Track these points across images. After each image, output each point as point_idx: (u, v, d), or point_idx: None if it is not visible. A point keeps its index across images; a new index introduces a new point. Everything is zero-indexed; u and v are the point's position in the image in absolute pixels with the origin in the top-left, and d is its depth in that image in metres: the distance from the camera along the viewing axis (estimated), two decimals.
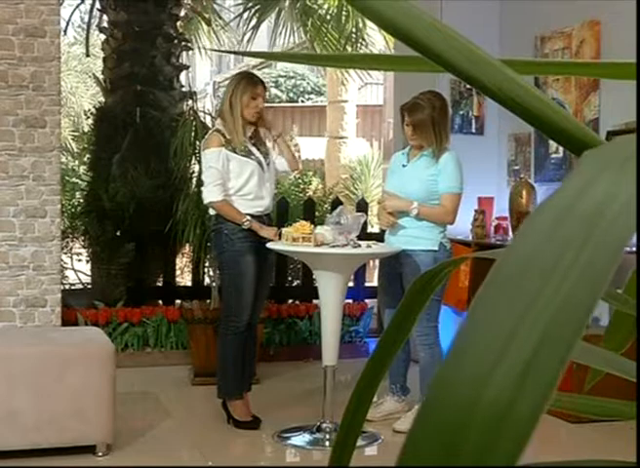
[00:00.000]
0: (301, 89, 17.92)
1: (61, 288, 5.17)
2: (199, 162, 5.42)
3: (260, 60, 16.95)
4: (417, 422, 0.39)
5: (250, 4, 8.46)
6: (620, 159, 0.46)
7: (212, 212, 4.41)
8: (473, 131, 6.25)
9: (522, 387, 0.39)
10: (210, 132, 4.40)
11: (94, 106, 7.37)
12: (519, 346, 0.40)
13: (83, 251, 6.87)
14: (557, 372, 0.39)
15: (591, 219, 0.43)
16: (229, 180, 4.31)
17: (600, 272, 0.41)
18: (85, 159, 7.73)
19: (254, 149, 4.40)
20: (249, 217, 4.29)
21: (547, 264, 0.42)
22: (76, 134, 10.40)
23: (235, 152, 4.30)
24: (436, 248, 4.31)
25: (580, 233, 0.42)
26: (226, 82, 4.56)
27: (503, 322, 0.41)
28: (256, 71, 11.38)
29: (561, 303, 0.40)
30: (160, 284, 6.53)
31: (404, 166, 4.46)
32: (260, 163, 4.37)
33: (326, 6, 8.74)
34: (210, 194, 4.29)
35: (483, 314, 0.42)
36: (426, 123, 4.31)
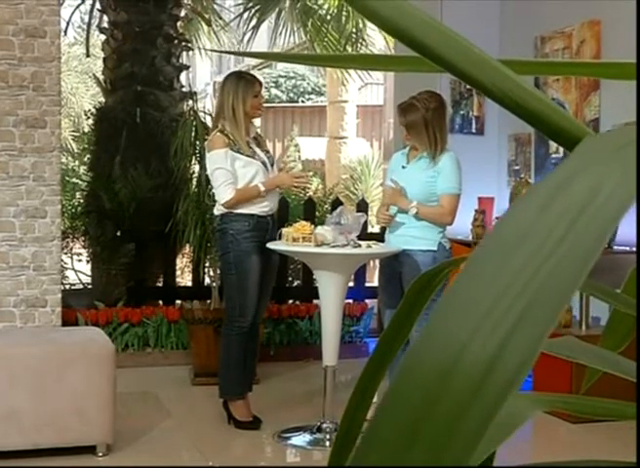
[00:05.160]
0: (302, 89, 17.92)
1: (62, 288, 5.16)
2: (199, 162, 5.43)
3: (260, 61, 16.93)
4: (401, 372, 0.40)
5: (250, 4, 8.46)
6: (613, 151, 0.46)
7: (216, 212, 4.39)
8: (473, 131, 6.25)
9: (506, 345, 0.40)
10: (212, 133, 4.38)
11: (94, 107, 7.38)
12: (505, 309, 0.41)
13: (83, 251, 6.87)
14: (541, 336, 0.40)
15: (583, 201, 0.43)
16: (236, 180, 4.30)
17: (589, 248, 0.42)
18: (85, 159, 7.74)
19: (257, 150, 4.40)
20: (259, 185, 4.28)
21: (538, 236, 0.43)
22: (76, 134, 10.41)
23: (240, 152, 4.29)
24: (435, 248, 4.31)
25: (572, 211, 0.43)
26: None
27: (491, 285, 0.42)
28: (256, 71, 11.40)
29: (547, 274, 0.41)
30: (160, 284, 6.53)
31: (403, 167, 4.45)
32: (264, 163, 4.37)
33: (326, 6, 8.74)
34: (224, 194, 4.25)
35: (472, 277, 0.43)
36: (419, 124, 4.28)
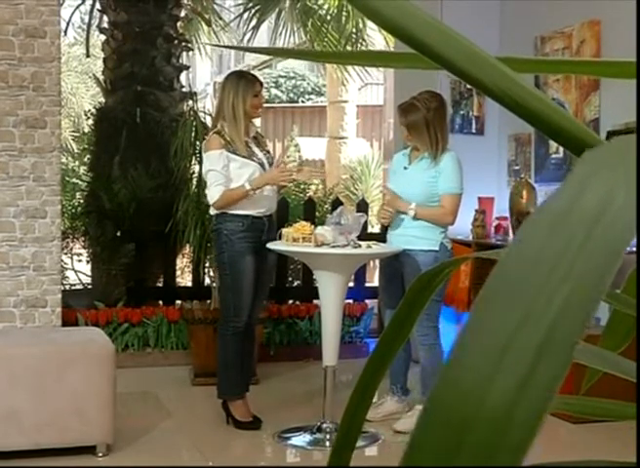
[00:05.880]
0: (302, 89, 17.91)
1: (62, 288, 5.16)
2: (199, 162, 5.42)
3: (260, 61, 16.93)
4: (420, 424, 0.39)
5: (250, 4, 8.46)
6: (619, 159, 0.46)
7: (212, 212, 4.40)
8: (473, 131, 6.25)
9: (524, 390, 0.38)
10: (210, 134, 4.38)
11: (94, 107, 7.38)
12: (520, 349, 0.40)
13: (83, 251, 6.88)
14: (559, 375, 0.39)
15: (590, 221, 0.42)
16: (231, 181, 4.29)
17: (600, 274, 0.41)
18: (85, 159, 7.75)
19: (257, 150, 4.39)
20: (246, 184, 4.23)
21: (547, 267, 0.42)
22: (76, 134, 10.42)
23: (236, 153, 4.28)
24: (437, 248, 4.31)
25: (580, 235, 0.42)
26: None
27: (504, 325, 0.40)
28: (256, 71, 11.38)
29: (561, 306, 0.40)
30: (160, 284, 6.53)
31: (405, 168, 4.45)
32: (261, 164, 4.36)
33: (326, 6, 8.74)
34: (213, 195, 4.27)
35: (484, 317, 0.42)
36: (420, 125, 4.29)
